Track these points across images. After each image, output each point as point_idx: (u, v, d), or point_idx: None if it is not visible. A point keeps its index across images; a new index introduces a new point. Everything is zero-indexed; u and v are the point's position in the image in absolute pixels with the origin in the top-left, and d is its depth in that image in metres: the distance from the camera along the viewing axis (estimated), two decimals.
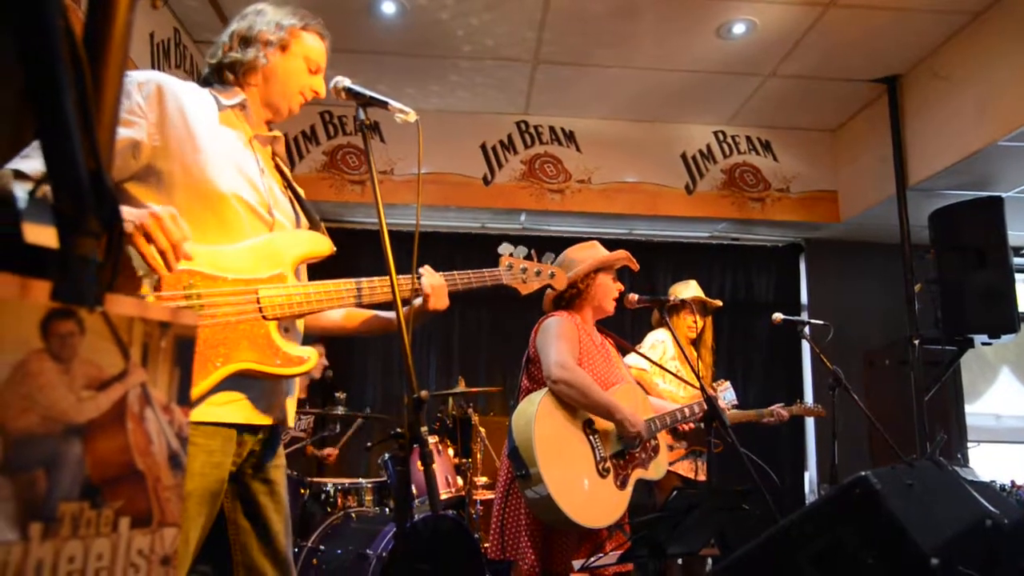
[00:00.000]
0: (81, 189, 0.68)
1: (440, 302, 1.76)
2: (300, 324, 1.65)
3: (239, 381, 1.46)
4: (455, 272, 1.84)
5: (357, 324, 1.84)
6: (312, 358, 1.54)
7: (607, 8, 4.08)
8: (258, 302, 1.48)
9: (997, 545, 1.59)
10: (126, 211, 1.27)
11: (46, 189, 0.68)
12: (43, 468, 0.63)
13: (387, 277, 1.56)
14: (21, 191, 0.67)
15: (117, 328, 0.70)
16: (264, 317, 1.49)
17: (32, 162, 1.04)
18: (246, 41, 1.65)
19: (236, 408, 1.48)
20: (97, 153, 0.69)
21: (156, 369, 0.74)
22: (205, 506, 1.46)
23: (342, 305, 1.64)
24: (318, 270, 1.73)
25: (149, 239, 1.26)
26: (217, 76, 1.66)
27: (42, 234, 0.68)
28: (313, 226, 1.75)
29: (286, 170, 1.79)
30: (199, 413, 1.39)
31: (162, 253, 1.27)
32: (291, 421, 1.64)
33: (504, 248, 1.99)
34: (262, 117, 1.71)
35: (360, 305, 1.69)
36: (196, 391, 1.39)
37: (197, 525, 1.44)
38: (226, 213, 1.51)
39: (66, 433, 0.66)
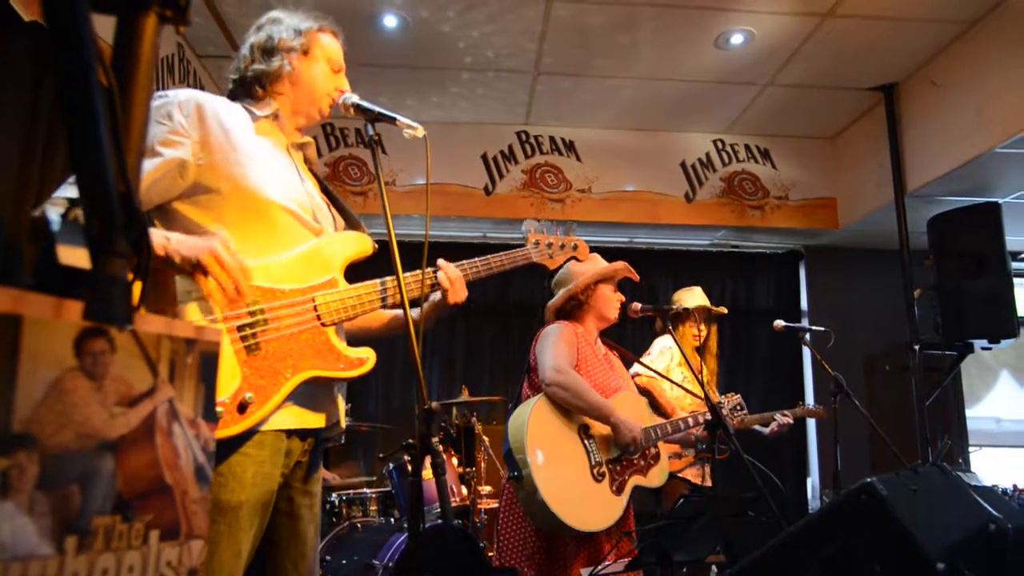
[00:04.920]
0: (112, 211, 0.70)
1: (458, 295, 1.75)
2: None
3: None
4: (489, 256, 1.84)
5: (379, 325, 1.83)
6: (371, 358, 1.55)
7: (606, 20, 4.11)
8: (315, 309, 1.50)
9: (1001, 549, 1.60)
10: (186, 248, 1.30)
11: (78, 212, 0.70)
12: (78, 483, 0.65)
13: (417, 272, 1.60)
14: (54, 214, 0.68)
15: (146, 346, 0.72)
16: (323, 324, 1.51)
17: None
18: (268, 52, 1.65)
19: (287, 413, 1.47)
20: (127, 176, 0.71)
21: (183, 385, 0.76)
22: (257, 517, 1.44)
23: (387, 305, 1.64)
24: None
25: (208, 274, 1.30)
26: (244, 91, 1.66)
27: (74, 255, 0.69)
28: (352, 226, 1.75)
29: (318, 174, 1.79)
30: (250, 423, 1.37)
31: (223, 287, 1.31)
32: (342, 421, 1.63)
33: (528, 224, 1.98)
34: (293, 124, 1.71)
35: (387, 306, 1.69)
36: (272, 403, 1.40)
37: (249, 536, 1.43)
38: (275, 222, 1.52)
39: (99, 449, 0.67)
